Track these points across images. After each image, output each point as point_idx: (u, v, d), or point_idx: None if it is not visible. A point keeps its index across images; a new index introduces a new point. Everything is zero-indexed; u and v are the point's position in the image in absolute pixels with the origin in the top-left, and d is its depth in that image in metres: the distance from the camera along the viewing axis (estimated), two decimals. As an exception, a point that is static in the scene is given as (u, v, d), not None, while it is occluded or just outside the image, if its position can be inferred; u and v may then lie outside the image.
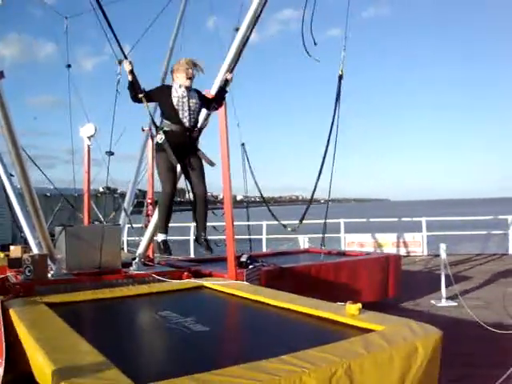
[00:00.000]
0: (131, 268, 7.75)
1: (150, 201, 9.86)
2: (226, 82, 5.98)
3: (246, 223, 13.29)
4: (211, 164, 5.64)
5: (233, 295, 6.15)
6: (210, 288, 6.58)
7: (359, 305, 4.69)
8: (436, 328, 4.13)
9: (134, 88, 5.31)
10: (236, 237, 7.49)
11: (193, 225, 17.90)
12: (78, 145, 10.82)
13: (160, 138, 5.30)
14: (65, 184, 11.40)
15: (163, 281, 6.86)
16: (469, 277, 12.33)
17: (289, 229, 10.10)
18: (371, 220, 20.86)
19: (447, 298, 9.45)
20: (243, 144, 9.05)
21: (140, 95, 5.31)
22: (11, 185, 8.26)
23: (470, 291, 10.44)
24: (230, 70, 6.25)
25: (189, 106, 5.35)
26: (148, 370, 3.59)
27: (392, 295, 9.45)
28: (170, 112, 5.34)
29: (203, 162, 5.65)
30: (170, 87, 5.43)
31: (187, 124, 5.35)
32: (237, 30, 7.37)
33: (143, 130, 10.29)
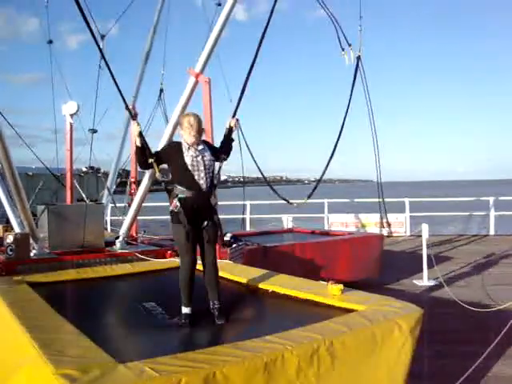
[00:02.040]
0: (114, 247, 7.73)
1: (133, 180, 9.81)
2: (230, 130, 5.22)
3: (242, 202, 13.25)
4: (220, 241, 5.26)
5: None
6: (193, 267, 6.58)
7: (341, 285, 4.72)
8: (417, 306, 4.19)
9: (144, 154, 4.71)
10: (220, 216, 7.47)
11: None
12: (62, 124, 10.70)
13: (176, 206, 4.58)
14: (47, 163, 11.28)
15: (146, 260, 6.86)
16: (451, 257, 12.46)
17: (294, 205, 10.07)
18: (355, 200, 20.96)
19: (429, 278, 9.55)
20: (237, 120, 8.94)
21: (151, 160, 4.68)
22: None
23: (452, 271, 10.55)
24: (233, 115, 5.63)
25: (204, 165, 4.61)
26: (130, 349, 3.61)
27: (375, 275, 9.52)
28: (183, 175, 4.58)
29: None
30: (180, 144, 4.67)
31: (204, 186, 4.61)
32: (219, 5, 7.32)
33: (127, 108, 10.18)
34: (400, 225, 17.33)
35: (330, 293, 4.71)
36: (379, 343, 3.70)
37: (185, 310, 4.52)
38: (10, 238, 6.53)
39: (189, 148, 4.58)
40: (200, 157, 4.60)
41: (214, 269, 4.80)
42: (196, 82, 7.27)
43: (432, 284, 9.34)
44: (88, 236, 7.40)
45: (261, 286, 5.41)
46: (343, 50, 7.50)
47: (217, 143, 5.20)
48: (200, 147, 4.65)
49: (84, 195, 11.43)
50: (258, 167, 9.36)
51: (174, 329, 4.20)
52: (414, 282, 9.62)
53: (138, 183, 9.07)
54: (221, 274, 6.02)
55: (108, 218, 14.24)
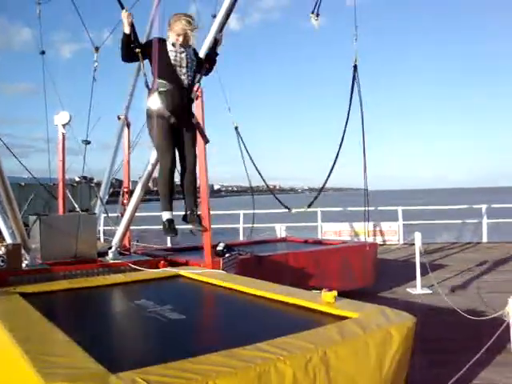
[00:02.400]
0: (107, 257, 7.70)
1: (125, 190, 9.78)
2: (216, 42, 5.27)
3: (252, 211, 13.20)
4: (206, 140, 5.11)
5: (209, 284, 6.14)
6: (186, 277, 6.56)
7: (335, 292, 4.71)
8: (410, 314, 4.19)
9: (131, 42, 4.65)
10: (212, 226, 7.48)
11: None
12: (55, 134, 10.68)
13: (153, 100, 4.61)
14: (40, 173, 11.24)
15: (139, 270, 6.83)
16: (444, 265, 12.48)
17: (293, 211, 10.09)
18: (348, 209, 20.98)
19: (423, 286, 9.56)
20: (236, 127, 8.91)
21: (137, 50, 4.65)
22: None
23: (445, 279, 10.57)
24: (220, 29, 5.64)
25: (186, 62, 4.71)
26: (123, 359, 3.58)
27: (368, 283, 9.52)
28: (166, 69, 4.64)
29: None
30: (164, 41, 4.76)
31: (185, 82, 4.69)
32: (214, 16, 7.34)
33: (119, 119, 10.19)
34: (393, 233, 17.37)
35: (324, 300, 4.70)
36: (372, 352, 3.69)
37: (166, 215, 4.66)
38: (1, 249, 6.50)
39: (173, 44, 4.66)
40: (184, 54, 4.70)
41: (193, 174, 4.91)
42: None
43: (425, 292, 9.35)
44: (80, 246, 7.37)
45: (254, 294, 5.40)
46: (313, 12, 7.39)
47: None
48: (188, 49, 4.75)
49: (76, 205, 11.39)
50: (261, 176, 9.39)
51: (167, 336, 4.17)
52: (408, 290, 9.63)
53: (130, 193, 9.05)
54: (214, 282, 6.03)
55: (101, 228, 14.22)
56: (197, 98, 5.51)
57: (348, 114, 7.76)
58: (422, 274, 9.62)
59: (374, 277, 9.66)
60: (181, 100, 4.66)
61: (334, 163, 8.28)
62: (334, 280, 8.46)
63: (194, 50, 4.94)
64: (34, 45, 9.97)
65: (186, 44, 4.68)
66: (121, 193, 10.01)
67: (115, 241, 8.08)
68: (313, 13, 6.90)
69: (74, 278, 6.41)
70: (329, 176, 8.54)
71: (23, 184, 15.46)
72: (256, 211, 17.32)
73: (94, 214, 8.93)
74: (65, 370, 3.00)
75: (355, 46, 7.48)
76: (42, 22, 10.29)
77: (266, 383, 3.09)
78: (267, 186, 9.72)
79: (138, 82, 10.28)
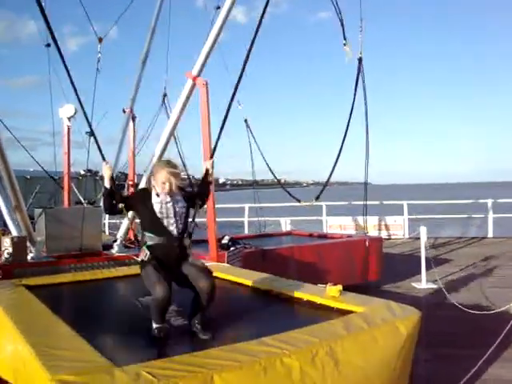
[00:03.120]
0: (112, 250, 7.72)
1: (131, 183, 9.81)
2: (207, 172, 4.87)
3: (256, 205, 13.16)
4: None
5: (214, 277, 6.13)
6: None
7: (340, 286, 4.71)
8: (415, 309, 4.18)
9: (112, 198, 4.34)
10: (217, 219, 7.47)
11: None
12: (60, 126, 10.70)
13: (145, 254, 4.20)
14: (46, 166, 11.26)
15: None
16: (449, 259, 12.44)
17: (304, 204, 10.10)
18: (353, 203, 20.92)
19: (427, 281, 9.53)
20: (246, 120, 8.90)
21: (120, 205, 4.32)
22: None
23: (450, 274, 10.53)
24: (210, 155, 5.57)
25: (174, 212, 4.25)
26: (127, 352, 3.59)
27: (373, 277, 9.50)
28: (152, 222, 4.23)
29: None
30: (149, 192, 4.33)
31: (175, 232, 4.24)
32: (218, 8, 7.32)
33: (124, 112, 10.19)
34: (398, 227, 17.32)
35: (329, 294, 4.69)
36: (378, 346, 3.69)
37: (157, 325, 4.10)
38: (7, 242, 6.51)
39: (157, 195, 4.22)
40: (170, 203, 4.24)
41: (210, 297, 4.21)
42: (193, 85, 7.26)
43: (430, 287, 9.32)
44: (85, 239, 7.39)
45: (258, 287, 5.40)
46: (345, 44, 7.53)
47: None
48: (175, 195, 4.29)
49: (82, 198, 11.42)
50: (270, 169, 9.39)
51: (171, 330, 4.17)
52: (413, 284, 9.61)
53: (135, 186, 9.07)
54: (219, 275, 6.02)
55: (106, 222, 14.25)
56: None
57: (352, 108, 7.74)
58: (427, 268, 9.59)
59: (379, 271, 9.64)
60: (171, 251, 4.23)
61: (338, 157, 8.27)
62: (339, 274, 8.43)
63: (183, 189, 4.43)
64: (40, 38, 9.94)
65: (171, 192, 4.22)
66: (126, 186, 10.03)
67: (120, 234, 8.09)
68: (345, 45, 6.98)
69: (79, 271, 6.42)
70: (333, 169, 8.54)
71: (29, 177, 15.48)
72: (261, 205, 17.33)
73: (99, 206, 8.95)
74: (70, 362, 3.01)
75: (360, 38, 7.44)
76: (48, 15, 10.28)
77: (271, 377, 3.09)
78: (277, 180, 9.75)
79: (144, 75, 10.29)
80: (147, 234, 4.24)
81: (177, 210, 4.25)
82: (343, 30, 7.54)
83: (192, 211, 4.57)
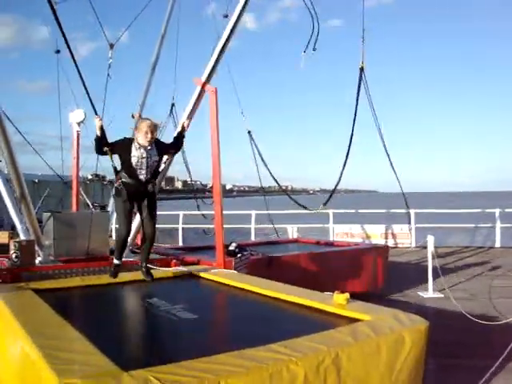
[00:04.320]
0: (119, 255, 7.73)
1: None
2: (182, 129, 6.04)
3: (262, 212, 13.15)
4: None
5: (221, 283, 6.15)
6: (198, 276, 6.58)
7: (347, 295, 4.70)
8: (422, 318, 4.16)
9: (102, 142, 5.51)
10: (224, 226, 7.48)
11: (181, 213, 17.90)
12: (69, 131, 10.75)
13: (118, 184, 5.57)
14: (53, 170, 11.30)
15: (151, 268, 6.84)
16: (456, 269, 12.40)
17: (312, 211, 10.14)
18: (360, 211, 20.89)
19: (434, 290, 9.51)
20: (249, 132, 8.95)
21: (105, 148, 5.51)
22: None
23: (457, 283, 10.50)
24: (188, 116, 6.56)
25: (147, 165, 5.51)
26: (135, 357, 3.59)
27: (379, 286, 9.49)
28: (128, 168, 5.49)
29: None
30: (130, 142, 5.52)
31: (143, 179, 5.54)
32: (226, 16, 7.36)
33: (133, 117, 10.21)
34: (405, 236, 17.25)
35: (336, 302, 4.69)
36: (384, 355, 3.68)
37: (116, 261, 5.81)
38: (15, 245, 6.54)
39: (138, 148, 5.43)
40: (145, 158, 5.47)
41: (151, 241, 5.89)
42: (202, 92, 7.29)
43: (437, 296, 9.29)
44: (93, 243, 7.42)
45: (265, 294, 5.40)
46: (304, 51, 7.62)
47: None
48: (149, 148, 5.49)
49: (89, 203, 11.45)
50: (274, 179, 9.42)
51: (179, 335, 4.19)
52: (419, 293, 9.58)
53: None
54: (226, 281, 6.03)
55: (113, 226, 14.27)
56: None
57: (354, 117, 7.75)
58: (434, 277, 9.57)
59: (384, 279, 9.63)
60: (137, 190, 5.57)
61: (344, 165, 8.27)
62: (345, 282, 8.43)
63: (157, 143, 5.62)
64: (50, 43, 10.03)
65: (151, 141, 5.45)
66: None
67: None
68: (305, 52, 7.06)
69: (86, 275, 6.45)
70: (340, 177, 8.55)
71: (37, 181, 15.55)
72: (268, 212, 17.34)
73: (107, 211, 8.98)
74: (78, 366, 3.02)
75: (362, 47, 7.46)
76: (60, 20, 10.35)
77: (278, 383, 3.09)
78: (280, 188, 9.81)
79: (153, 80, 10.34)
80: (122, 174, 5.54)
81: (149, 163, 5.50)
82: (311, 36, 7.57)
83: (164, 159, 6.10)
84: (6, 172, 7.58)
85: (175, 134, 6.05)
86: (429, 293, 9.46)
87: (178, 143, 6.03)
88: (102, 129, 5.51)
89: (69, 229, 7.40)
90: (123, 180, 5.53)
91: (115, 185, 5.62)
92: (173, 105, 10.76)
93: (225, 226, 7.48)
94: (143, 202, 5.68)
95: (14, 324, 4.07)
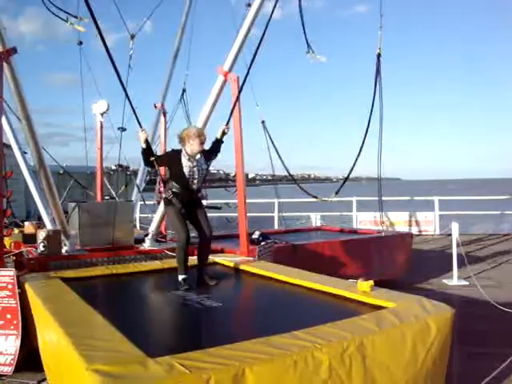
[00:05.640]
0: (144, 244, 7.81)
1: (162, 177, 9.88)
2: (223, 134, 6.14)
3: (271, 200, 13.16)
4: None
5: (245, 271, 6.18)
6: (222, 264, 6.62)
7: (371, 282, 4.70)
8: (448, 306, 4.13)
9: (148, 154, 5.62)
10: (248, 214, 7.49)
11: (204, 201, 17.91)
12: (93, 122, 10.85)
13: (169, 195, 5.62)
14: (79, 162, 11.43)
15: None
16: (481, 256, 12.28)
17: (322, 199, 10.13)
18: (384, 198, 20.70)
19: (459, 278, 9.43)
20: (263, 121, 8.98)
21: (152, 158, 5.62)
22: (25, 162, 8.30)
23: (482, 271, 10.40)
24: (226, 122, 6.41)
25: (199, 174, 5.63)
26: (161, 344, 3.63)
27: (404, 273, 9.43)
28: (180, 179, 5.59)
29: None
30: (179, 153, 5.62)
31: (195, 187, 5.66)
32: (249, 5, 7.33)
33: (155, 107, 10.29)
34: (429, 223, 17.12)
35: (360, 289, 4.69)
36: (409, 343, 3.67)
37: (181, 276, 5.49)
38: (42, 235, 6.65)
39: (189, 159, 5.55)
40: (196, 168, 5.59)
41: (209, 243, 5.92)
42: (225, 81, 7.29)
43: (462, 283, 9.22)
44: (118, 233, 7.49)
45: (289, 281, 5.42)
46: (308, 52, 7.65)
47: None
48: (198, 157, 5.62)
49: (113, 192, 11.57)
50: (285, 166, 9.41)
51: (204, 323, 4.23)
52: (444, 281, 9.51)
53: (167, 181, 9.13)
54: (250, 269, 6.06)
55: (137, 216, 14.40)
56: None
57: (373, 104, 7.66)
58: (459, 265, 9.48)
59: (408, 267, 9.58)
60: (189, 199, 5.67)
61: (359, 153, 8.20)
62: (369, 269, 8.41)
63: (203, 151, 5.71)
64: (74, 35, 10.12)
65: (201, 148, 5.59)
66: (157, 181, 10.12)
67: (152, 228, 8.18)
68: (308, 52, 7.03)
69: (112, 264, 6.52)
70: (354, 165, 8.49)
71: (61, 172, 15.73)
72: (291, 200, 17.29)
73: (131, 201, 9.06)
74: (105, 353, 3.08)
75: (380, 34, 7.35)
76: (82, 13, 10.43)
77: (302, 371, 3.11)
78: (291, 177, 9.84)
79: (175, 70, 10.36)
80: (174, 184, 5.63)
81: (200, 172, 5.65)
82: (305, 36, 7.57)
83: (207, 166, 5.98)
84: (32, 164, 7.70)
85: (214, 139, 6.12)
86: (454, 280, 9.38)
87: (218, 148, 6.09)
88: (147, 141, 5.62)
89: (94, 218, 7.48)
90: (174, 191, 5.60)
91: (165, 195, 5.69)
92: (184, 90, 10.78)
93: (248, 214, 7.49)
94: (194, 210, 5.75)
95: (45, 311, 4.16)
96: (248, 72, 6.55)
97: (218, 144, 6.08)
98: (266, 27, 6.35)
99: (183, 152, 5.59)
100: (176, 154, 5.65)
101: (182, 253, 5.57)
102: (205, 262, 5.89)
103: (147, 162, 5.71)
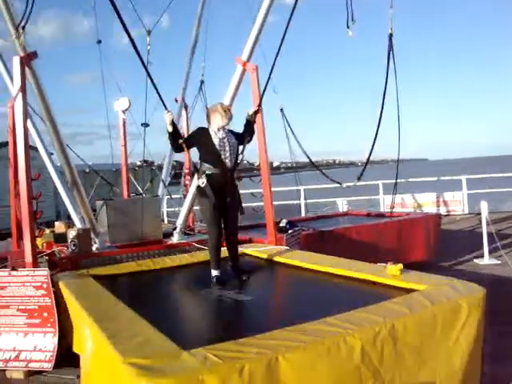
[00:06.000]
0: (172, 238, 7.88)
1: (187, 171, 9.96)
2: (255, 113, 6.12)
3: (289, 188, 13.18)
4: (241, 212, 5.74)
5: (273, 261, 6.20)
6: (250, 255, 6.65)
7: (400, 265, 4.68)
8: (479, 286, 4.10)
9: (175, 137, 5.42)
10: (274, 202, 7.50)
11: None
12: (116, 120, 10.93)
13: (202, 182, 5.33)
14: (103, 159, 11.55)
15: (204, 249, 6.94)
16: (512, 234, 12.11)
17: (344, 186, 10.13)
18: (410, 180, 20.52)
19: (490, 256, 9.33)
20: (282, 109, 8.96)
21: (180, 141, 5.41)
22: (52, 163, 8.42)
23: (514, 248, 10.26)
24: (258, 104, 6.48)
25: (230, 146, 5.37)
26: (194, 337, 3.68)
27: (433, 255, 9.37)
28: (211, 155, 5.33)
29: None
30: (207, 129, 5.43)
31: (229, 165, 5.37)
32: None
33: (176, 101, 10.33)
34: (457, 203, 16.93)
35: (390, 273, 4.68)
36: (441, 324, 3.66)
37: (215, 272, 5.40)
38: (72, 234, 6.75)
39: (218, 131, 5.36)
40: (226, 138, 5.37)
41: (235, 242, 5.73)
42: (244, 71, 7.29)
43: (494, 262, 9.12)
44: (146, 228, 7.56)
45: (318, 269, 5.42)
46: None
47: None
48: (226, 131, 5.44)
49: (140, 189, 11.67)
50: (305, 152, 9.38)
51: (235, 314, 4.27)
52: (475, 261, 9.41)
53: (191, 174, 9.19)
54: (279, 258, 6.07)
55: (164, 210, 14.52)
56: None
57: (385, 86, 7.55)
58: (490, 244, 9.38)
59: (437, 248, 9.51)
60: (225, 181, 5.35)
61: (376, 136, 8.08)
62: (398, 252, 8.36)
63: (230, 130, 5.57)
64: (92, 34, 10.21)
65: (230, 119, 5.44)
66: (182, 174, 10.19)
67: (179, 221, 8.25)
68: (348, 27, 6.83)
69: (141, 259, 6.59)
70: (371, 151, 8.38)
71: (87, 170, 15.90)
72: (317, 186, 17.21)
73: (157, 196, 9.13)
74: (140, 346, 3.14)
75: (390, 13, 7.19)
76: (101, 11, 10.52)
77: (334, 357, 3.13)
78: (312, 163, 9.82)
79: (194, 63, 10.37)
80: (206, 165, 5.35)
81: (231, 144, 5.40)
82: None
83: (241, 147, 5.72)
84: (58, 164, 7.81)
85: (246, 121, 5.95)
86: (485, 260, 9.28)
87: (251, 129, 5.91)
88: (173, 123, 5.40)
89: (121, 215, 7.55)
90: (207, 172, 5.31)
91: (198, 183, 5.41)
92: (202, 82, 10.77)
93: (274, 202, 7.50)
94: (228, 200, 5.43)
95: (79, 309, 4.25)
96: (274, 63, 6.54)
97: (249, 124, 5.90)
98: (291, 17, 6.26)
99: (210, 127, 5.43)
100: (203, 130, 5.46)
101: (215, 250, 5.45)
102: (235, 255, 5.74)
103: (176, 146, 5.48)
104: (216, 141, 5.31)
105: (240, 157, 5.70)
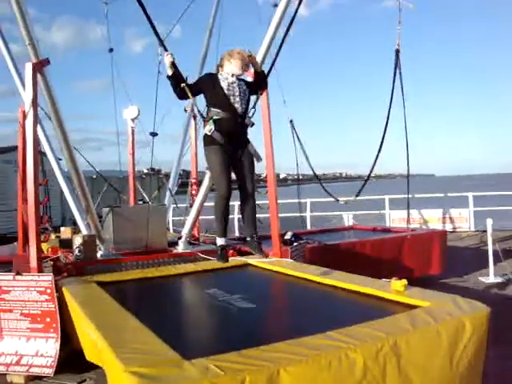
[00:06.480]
0: (177, 247, 7.89)
1: (194, 180, 9.98)
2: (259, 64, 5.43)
3: (297, 200, 13.19)
4: (258, 159, 5.08)
5: (278, 272, 6.20)
6: (255, 266, 6.65)
7: (405, 281, 4.67)
8: (483, 304, 4.08)
9: (177, 79, 4.85)
10: (280, 215, 7.50)
11: (237, 203, 17.98)
12: (125, 127, 11.00)
13: (209, 129, 4.75)
14: (111, 166, 11.60)
15: (209, 259, 6.95)
16: (518, 253, 12.03)
17: (341, 202, 10.12)
18: (416, 196, 20.45)
19: (495, 275, 9.28)
20: (291, 121, 8.95)
21: (182, 84, 4.81)
22: (60, 168, 8.47)
23: (520, 267, 10.20)
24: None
25: (239, 91, 4.82)
26: (196, 346, 3.68)
27: (438, 272, 9.33)
28: (219, 99, 4.78)
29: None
30: (215, 74, 4.98)
31: (239, 109, 4.81)
32: (275, 5, 7.33)
33: (185, 111, 10.37)
34: (463, 220, 16.88)
35: (394, 288, 4.66)
36: (444, 342, 3.64)
37: (220, 241, 5.01)
38: (78, 240, 6.77)
39: (227, 77, 4.85)
40: (236, 84, 4.85)
41: (253, 200, 5.05)
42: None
43: (499, 281, 9.06)
44: (151, 237, 7.58)
45: (322, 282, 5.42)
46: None
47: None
48: (239, 80, 4.90)
49: (146, 196, 11.70)
50: (310, 165, 9.40)
51: (238, 325, 4.26)
52: (480, 278, 9.35)
53: (198, 184, 9.23)
54: (283, 270, 6.07)
55: (170, 219, 14.54)
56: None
57: (391, 101, 7.57)
58: (495, 262, 9.33)
59: (442, 265, 9.47)
60: (235, 126, 4.81)
61: (379, 151, 8.11)
62: (403, 268, 8.35)
63: (243, 80, 5.08)
64: (105, 42, 10.29)
65: (244, 69, 4.96)
66: (189, 184, 10.22)
67: (185, 231, 8.26)
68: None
69: (146, 268, 6.61)
70: (373, 165, 8.41)
71: (95, 177, 15.97)
72: (322, 199, 17.20)
73: (164, 205, 9.15)
74: (142, 355, 3.14)
75: (398, 29, 7.22)
76: (113, 20, 10.60)
77: (336, 371, 3.12)
78: (316, 176, 9.83)
79: (203, 73, 10.42)
80: (214, 110, 4.79)
81: (241, 90, 4.86)
82: None
83: (252, 98, 5.24)
84: (66, 170, 7.85)
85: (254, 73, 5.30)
86: (490, 278, 9.23)
87: (262, 76, 5.25)
88: (174, 65, 4.85)
89: (127, 223, 7.59)
90: (215, 118, 4.74)
91: (205, 131, 4.81)
92: None
93: (280, 215, 7.50)
94: (240, 153, 4.86)
95: (82, 315, 4.26)
96: (272, 66, 6.51)
97: (259, 75, 5.16)
98: (290, 26, 6.29)
99: (220, 72, 4.96)
100: (210, 75, 5.01)
101: (222, 209, 4.85)
102: (253, 221, 5.08)
103: (178, 91, 4.86)
104: (224, 84, 4.81)
105: (252, 111, 5.12)
